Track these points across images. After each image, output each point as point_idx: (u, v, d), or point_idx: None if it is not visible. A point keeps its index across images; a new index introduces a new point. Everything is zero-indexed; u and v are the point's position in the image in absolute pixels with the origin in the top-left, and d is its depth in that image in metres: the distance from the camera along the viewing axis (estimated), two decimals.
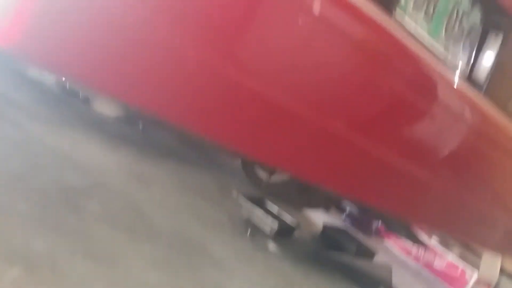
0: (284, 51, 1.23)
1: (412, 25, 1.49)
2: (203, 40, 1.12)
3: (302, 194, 2.86)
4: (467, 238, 2.45)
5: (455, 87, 1.59)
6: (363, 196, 1.69)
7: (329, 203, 3.17)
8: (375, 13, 1.36)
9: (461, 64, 1.65)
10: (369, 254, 2.77)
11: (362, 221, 3.59)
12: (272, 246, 2.23)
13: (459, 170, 1.80)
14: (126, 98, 1.10)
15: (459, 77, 1.63)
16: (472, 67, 1.68)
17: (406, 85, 1.49)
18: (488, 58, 1.67)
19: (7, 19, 0.90)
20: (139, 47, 1.04)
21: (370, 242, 3.35)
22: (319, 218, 3.18)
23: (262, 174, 2.83)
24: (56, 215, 1.50)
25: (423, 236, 3.32)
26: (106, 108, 1.90)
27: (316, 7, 1.24)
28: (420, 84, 1.53)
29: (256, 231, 2.25)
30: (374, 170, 1.58)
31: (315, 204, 3.07)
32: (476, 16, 1.65)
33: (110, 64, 1.02)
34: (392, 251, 3.82)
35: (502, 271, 3.84)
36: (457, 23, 1.61)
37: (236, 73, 1.18)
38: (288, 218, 2.44)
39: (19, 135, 1.81)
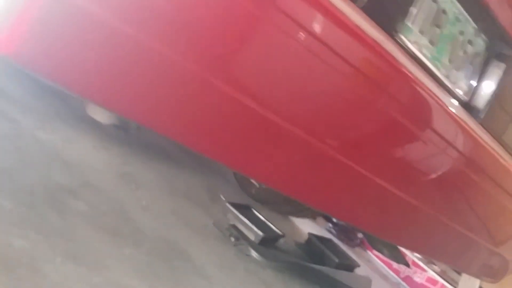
0: (282, 71, 1.22)
1: (416, 49, 1.48)
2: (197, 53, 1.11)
3: (289, 202, 2.86)
4: (449, 263, 2.47)
5: (452, 114, 1.58)
6: (349, 217, 1.69)
7: (316, 212, 3.17)
8: (378, 36, 1.34)
9: (461, 91, 1.64)
10: (351, 266, 2.78)
11: (346, 232, 3.60)
12: (255, 254, 2.22)
13: (448, 197, 1.80)
14: (123, 111, 1.09)
15: (458, 105, 1.62)
16: (472, 95, 1.67)
17: (402, 109, 1.48)
18: (488, 88, 1.66)
19: (6, 26, 0.89)
20: (140, 62, 1.02)
21: (353, 253, 3.36)
22: (305, 226, 3.18)
23: (252, 180, 2.82)
24: (41, 213, 1.48)
25: (405, 252, 3.34)
26: (100, 115, 1.87)
27: (318, 28, 1.23)
28: (417, 109, 1.53)
29: (240, 238, 2.23)
30: (362, 192, 1.58)
31: (302, 212, 3.07)
32: (480, 45, 1.64)
33: (108, 75, 1.00)
34: (373, 263, 3.83)
35: None
36: (461, 50, 1.60)
37: (230, 89, 1.17)
38: (273, 227, 2.43)
39: (10, 128, 1.78)
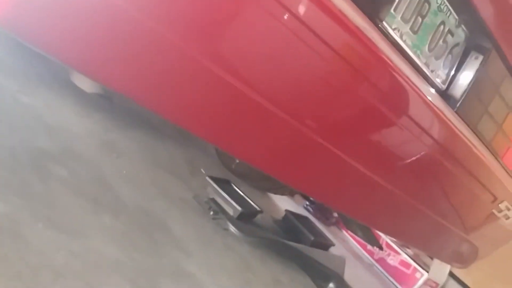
0: (263, 51, 1.25)
1: (397, 37, 1.51)
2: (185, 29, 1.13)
3: (268, 179, 2.90)
4: (420, 247, 2.53)
5: (429, 102, 1.62)
6: (323, 197, 1.73)
7: (294, 190, 3.21)
8: (360, 22, 1.37)
9: (439, 80, 1.68)
10: (326, 245, 2.84)
11: (323, 210, 3.66)
12: (233, 228, 2.26)
13: (421, 183, 1.85)
14: (107, 81, 1.11)
15: (435, 93, 1.67)
16: (449, 85, 1.71)
17: (381, 94, 1.52)
18: (465, 78, 1.70)
19: None
20: (127, 33, 1.04)
21: (328, 232, 3.43)
22: (283, 203, 3.23)
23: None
24: (22, 178, 1.49)
25: (379, 234, 3.41)
26: (84, 83, 1.87)
27: (302, 12, 1.25)
28: (395, 95, 1.56)
29: (219, 212, 2.27)
30: (336, 173, 1.62)
31: (280, 189, 3.11)
32: (460, 35, 1.68)
33: (97, 46, 1.02)
34: (348, 243, 3.90)
35: (450, 273, 4.00)
36: (441, 39, 1.63)
37: (214, 66, 1.19)
38: (252, 202, 2.47)
39: None
